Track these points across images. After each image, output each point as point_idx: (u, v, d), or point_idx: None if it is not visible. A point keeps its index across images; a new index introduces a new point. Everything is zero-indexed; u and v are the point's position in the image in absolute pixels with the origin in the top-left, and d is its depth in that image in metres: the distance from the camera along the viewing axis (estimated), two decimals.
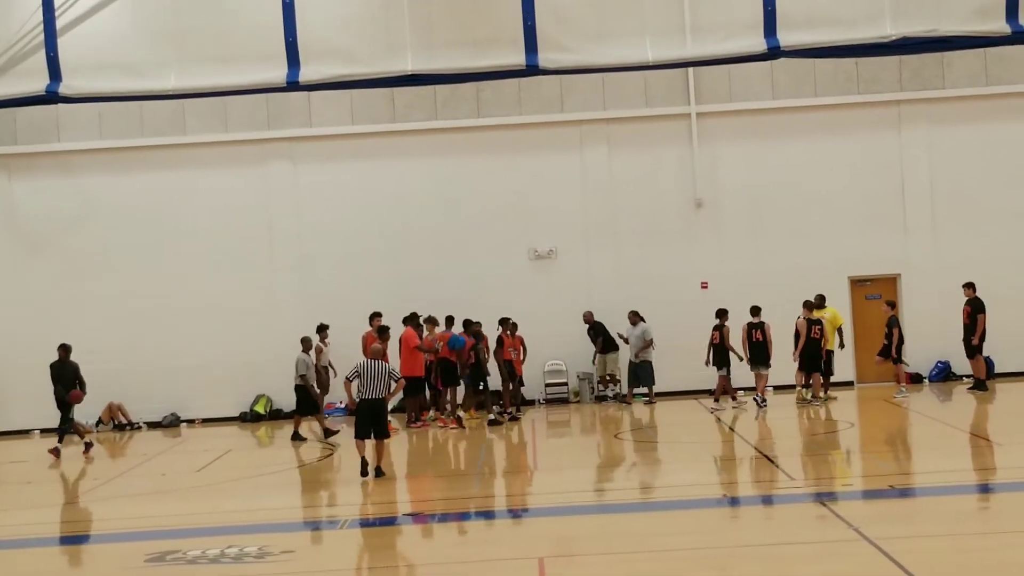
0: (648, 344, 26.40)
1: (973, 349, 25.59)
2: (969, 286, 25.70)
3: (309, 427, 24.12)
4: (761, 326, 24.74)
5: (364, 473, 17.60)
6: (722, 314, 25.11)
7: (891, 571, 10.83)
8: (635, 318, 26.60)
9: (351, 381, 18.23)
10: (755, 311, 24.85)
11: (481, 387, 24.88)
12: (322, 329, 25.62)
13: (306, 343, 23.91)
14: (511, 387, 25.73)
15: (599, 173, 28.18)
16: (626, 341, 26.71)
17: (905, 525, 12.96)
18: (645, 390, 26.78)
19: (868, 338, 27.10)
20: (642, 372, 26.59)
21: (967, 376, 26.43)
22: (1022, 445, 18.04)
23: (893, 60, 27.20)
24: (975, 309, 25.51)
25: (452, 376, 24.60)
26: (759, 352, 24.70)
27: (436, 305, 25.63)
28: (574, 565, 12.18)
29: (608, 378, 27.53)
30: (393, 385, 18.21)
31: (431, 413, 24.86)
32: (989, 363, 26.77)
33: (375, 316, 24.50)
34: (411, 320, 24.59)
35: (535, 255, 28.19)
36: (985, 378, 25.70)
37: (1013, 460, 16.76)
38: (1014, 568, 10.86)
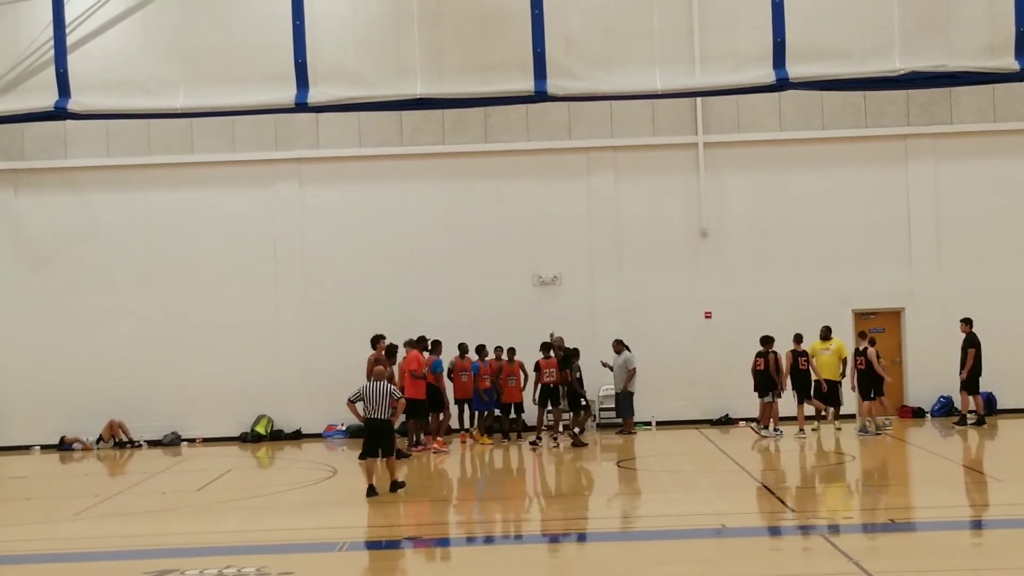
0: (631, 374, 26.29)
1: (962, 383, 25.64)
2: (965, 322, 25.70)
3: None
4: (774, 355, 24.86)
5: (369, 494, 17.86)
6: (767, 341, 25.00)
7: None
8: (619, 347, 26.42)
9: (354, 403, 18.42)
10: (766, 340, 24.96)
11: (583, 404, 25.04)
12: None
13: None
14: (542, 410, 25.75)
15: (605, 200, 28.15)
16: (611, 369, 26.62)
17: (905, 559, 12.90)
18: (620, 420, 26.69)
19: None
20: (623, 402, 26.48)
21: (969, 412, 26.33)
22: (1017, 482, 18.01)
23: (901, 94, 27.29)
24: (966, 344, 25.57)
25: (434, 401, 24.55)
26: (768, 380, 24.82)
27: (439, 329, 25.60)
28: None
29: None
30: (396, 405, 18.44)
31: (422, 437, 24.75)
32: (992, 399, 26.78)
33: (379, 338, 24.41)
34: (417, 343, 24.52)
35: (539, 281, 28.15)
36: (983, 412, 25.73)
37: (1011, 496, 16.72)
38: None
